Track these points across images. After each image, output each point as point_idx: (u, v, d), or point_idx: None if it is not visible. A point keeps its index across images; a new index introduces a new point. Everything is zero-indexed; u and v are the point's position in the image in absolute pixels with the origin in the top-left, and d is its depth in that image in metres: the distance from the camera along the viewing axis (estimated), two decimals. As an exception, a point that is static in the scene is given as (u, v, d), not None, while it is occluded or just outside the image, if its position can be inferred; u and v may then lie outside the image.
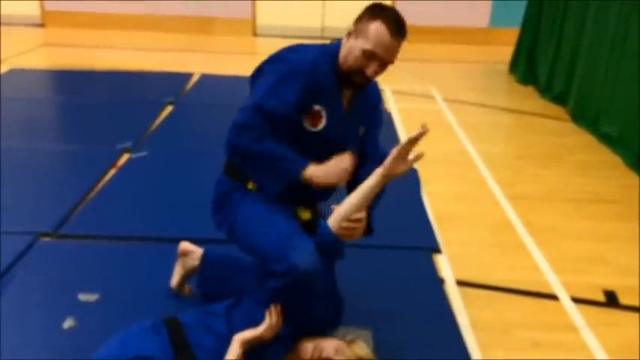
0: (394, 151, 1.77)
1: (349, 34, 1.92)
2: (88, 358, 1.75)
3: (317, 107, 1.93)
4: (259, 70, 2.00)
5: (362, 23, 1.88)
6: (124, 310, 2.26)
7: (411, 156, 1.78)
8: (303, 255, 1.77)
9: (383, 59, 1.87)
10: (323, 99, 1.93)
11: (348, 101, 2.01)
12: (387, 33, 1.84)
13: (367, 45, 1.85)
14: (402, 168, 1.79)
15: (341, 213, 1.83)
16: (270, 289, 1.82)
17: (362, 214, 1.85)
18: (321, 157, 1.90)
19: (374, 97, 2.13)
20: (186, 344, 1.80)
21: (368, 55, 1.86)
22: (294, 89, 1.87)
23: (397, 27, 1.86)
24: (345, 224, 1.82)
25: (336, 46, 1.97)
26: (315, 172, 1.87)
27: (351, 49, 1.89)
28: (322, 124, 1.94)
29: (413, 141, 1.75)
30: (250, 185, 2.02)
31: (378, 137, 2.16)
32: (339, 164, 1.86)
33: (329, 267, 1.95)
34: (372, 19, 1.86)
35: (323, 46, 2.00)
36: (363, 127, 2.08)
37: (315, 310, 1.86)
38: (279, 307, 1.84)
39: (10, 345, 2.06)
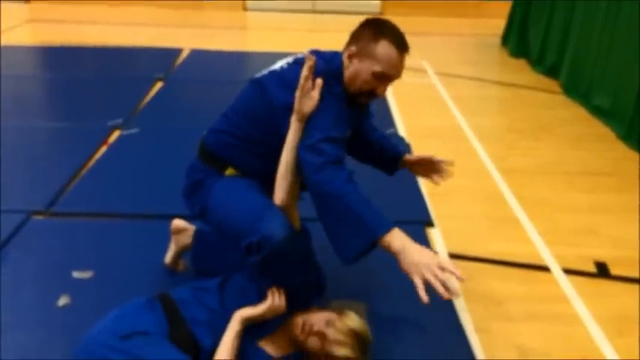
0: (297, 92, 1.76)
1: (351, 56, 1.86)
2: (83, 336, 1.76)
3: None
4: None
5: (365, 44, 1.83)
6: (118, 287, 2.26)
7: (314, 92, 1.78)
8: (275, 224, 1.77)
9: (393, 77, 1.86)
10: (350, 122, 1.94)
11: None
12: (394, 51, 1.81)
13: (377, 67, 1.81)
14: (309, 104, 1.78)
15: (281, 166, 1.86)
16: (253, 264, 1.83)
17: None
18: None
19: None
20: (180, 319, 1.81)
21: (379, 77, 1.83)
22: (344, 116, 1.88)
23: (401, 42, 1.84)
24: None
25: (338, 67, 1.89)
26: (407, 246, 1.63)
27: (359, 72, 1.84)
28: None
29: (308, 75, 1.74)
30: (228, 172, 2.00)
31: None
32: (440, 267, 1.57)
33: (302, 233, 1.96)
34: (375, 39, 1.82)
35: (324, 62, 1.90)
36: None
37: (298, 276, 1.88)
38: (282, 290, 1.85)
39: (4, 323, 2.07)
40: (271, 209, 1.84)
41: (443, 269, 1.56)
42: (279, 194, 1.87)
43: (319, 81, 1.77)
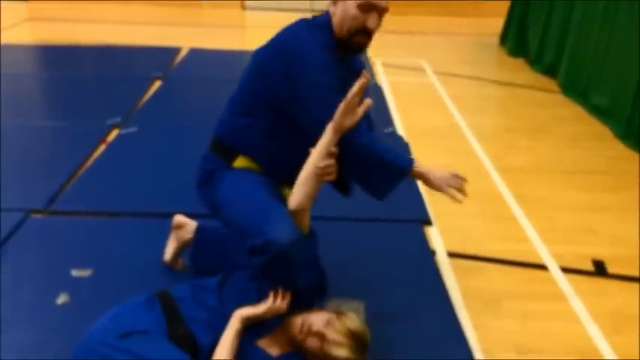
0: (341, 106, 1.75)
1: (335, 1, 1.91)
2: (82, 334, 1.76)
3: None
4: (289, 66, 1.88)
5: None
6: (117, 285, 2.26)
7: (360, 110, 1.77)
8: (280, 228, 1.76)
9: (379, 7, 1.87)
10: (336, 73, 1.93)
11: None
12: None
13: None
14: (351, 119, 1.77)
15: (305, 171, 1.84)
16: (255, 264, 1.83)
17: (333, 155, 1.82)
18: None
19: (359, 65, 2.11)
20: (179, 318, 1.82)
21: (365, 8, 1.85)
22: (332, 71, 1.88)
23: None
24: (321, 163, 1.80)
25: (325, 19, 1.95)
26: (431, 170, 2.01)
27: (345, 11, 1.88)
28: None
29: (358, 92, 1.74)
30: (237, 163, 2.01)
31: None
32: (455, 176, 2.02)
33: (309, 236, 1.96)
34: None
35: (312, 20, 1.97)
36: None
37: (300, 280, 1.87)
38: (285, 292, 1.85)
39: (3, 321, 2.07)
40: (279, 211, 1.83)
41: (457, 176, 2.02)
42: (297, 198, 1.84)
43: (368, 101, 1.76)
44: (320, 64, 1.86)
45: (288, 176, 1.98)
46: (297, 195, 1.84)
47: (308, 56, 1.86)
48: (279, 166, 1.98)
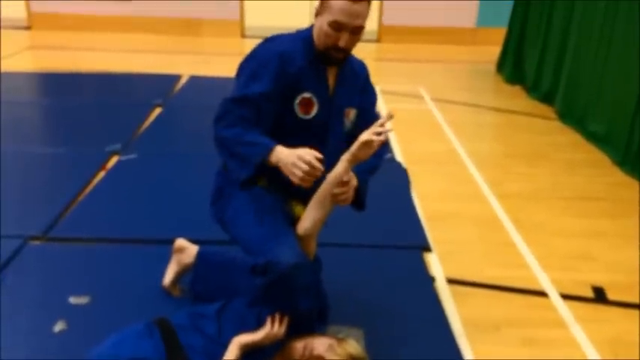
0: (362, 139, 1.77)
1: (316, 15, 1.95)
2: (80, 360, 1.75)
3: (307, 95, 1.96)
4: (238, 70, 2.02)
5: (324, 0, 1.92)
6: (115, 313, 2.25)
7: (376, 144, 1.79)
8: (284, 250, 1.78)
9: (350, 26, 1.87)
10: (308, 84, 1.95)
11: (333, 82, 2.03)
12: (345, 1, 1.85)
13: (331, 17, 1.87)
14: (366, 153, 1.80)
15: (316, 198, 1.88)
16: (258, 287, 1.84)
17: (347, 183, 1.85)
18: (311, 143, 1.91)
19: (360, 78, 2.13)
20: (178, 345, 1.81)
21: (335, 27, 1.87)
22: (266, 78, 1.89)
23: None
24: (336, 190, 1.84)
25: (308, 32, 2.00)
26: (280, 158, 1.80)
27: (321, 27, 1.91)
28: (314, 110, 1.97)
29: (378, 134, 1.77)
30: None
31: (374, 119, 2.14)
32: (300, 160, 1.76)
33: (313, 261, 1.97)
34: None
35: (297, 32, 2.03)
36: (353, 110, 2.08)
37: (301, 304, 1.87)
38: (282, 318, 1.85)
39: (1, 348, 2.05)
40: (285, 234, 1.85)
41: (303, 159, 1.75)
42: (306, 223, 1.88)
43: (383, 137, 1.79)
44: (260, 59, 1.92)
45: (294, 188, 1.99)
46: (307, 220, 1.88)
47: (255, 52, 1.94)
48: (281, 176, 1.98)
